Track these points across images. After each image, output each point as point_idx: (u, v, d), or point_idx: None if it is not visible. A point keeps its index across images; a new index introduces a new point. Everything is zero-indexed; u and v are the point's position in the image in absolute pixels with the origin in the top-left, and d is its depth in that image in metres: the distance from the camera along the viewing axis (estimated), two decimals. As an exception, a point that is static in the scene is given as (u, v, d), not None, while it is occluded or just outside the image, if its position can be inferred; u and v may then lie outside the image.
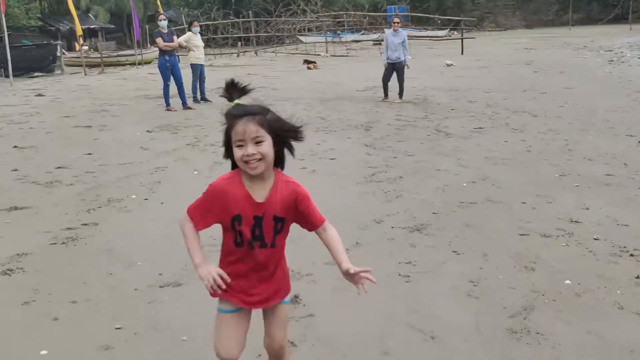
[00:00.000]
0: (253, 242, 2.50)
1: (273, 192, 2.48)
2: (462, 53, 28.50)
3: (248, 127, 2.37)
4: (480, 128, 10.34)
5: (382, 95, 14.27)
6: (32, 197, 6.69)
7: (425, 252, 4.83)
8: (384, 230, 5.36)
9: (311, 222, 2.55)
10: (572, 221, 5.45)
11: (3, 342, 3.55)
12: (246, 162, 2.39)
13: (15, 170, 7.97)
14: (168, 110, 13.25)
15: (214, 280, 2.40)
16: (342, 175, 7.37)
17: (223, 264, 2.57)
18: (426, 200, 6.21)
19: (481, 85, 16.33)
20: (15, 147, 9.55)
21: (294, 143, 2.53)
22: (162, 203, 6.29)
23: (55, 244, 5.18)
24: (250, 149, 2.37)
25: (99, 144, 9.69)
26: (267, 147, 2.40)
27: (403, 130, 10.29)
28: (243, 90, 2.52)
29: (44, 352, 3.41)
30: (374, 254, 4.81)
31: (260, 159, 2.39)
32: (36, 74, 25.66)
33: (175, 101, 13.50)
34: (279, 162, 2.54)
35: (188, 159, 8.39)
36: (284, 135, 2.47)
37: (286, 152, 2.54)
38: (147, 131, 10.72)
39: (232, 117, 2.42)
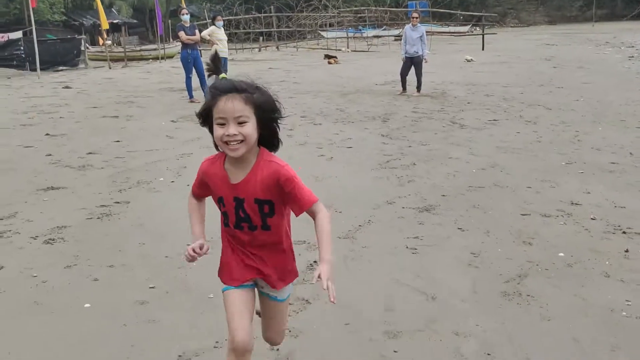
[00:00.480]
0: (240, 223, 2.41)
1: (251, 174, 2.34)
2: (482, 49, 28.64)
3: (232, 105, 2.22)
4: (494, 120, 10.63)
5: (401, 89, 14.59)
6: (66, 178, 7.15)
7: (432, 228, 5.20)
8: (395, 209, 5.74)
9: (297, 205, 2.35)
10: (572, 203, 5.78)
11: (51, 297, 4.01)
12: (226, 142, 2.26)
13: (49, 155, 8.46)
14: (191, 101, 13.70)
15: (188, 254, 2.43)
16: (358, 161, 7.74)
17: (222, 241, 2.57)
18: (436, 185, 6.57)
19: (499, 80, 16.56)
20: (47, 134, 10.06)
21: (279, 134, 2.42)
22: (188, 185, 6.61)
23: (91, 218, 5.64)
24: (232, 129, 2.23)
25: (126, 132, 10.16)
26: (250, 128, 2.25)
27: (419, 122, 10.62)
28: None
29: (87, 305, 3.87)
30: (384, 229, 5.20)
31: (241, 141, 2.25)
32: (61, 67, 26.32)
33: (198, 93, 13.95)
34: (271, 144, 2.42)
35: (212, 147, 8.78)
36: (270, 117, 2.34)
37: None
38: (172, 121, 11.17)
39: (217, 92, 2.27)
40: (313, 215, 2.36)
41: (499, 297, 3.86)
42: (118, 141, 9.34)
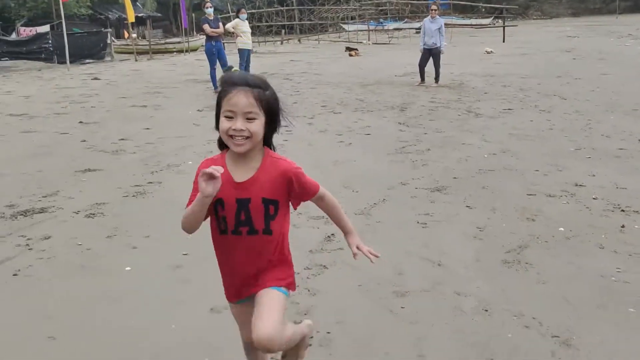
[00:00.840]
0: (239, 227, 2.30)
1: (259, 173, 2.28)
2: (503, 41, 28.75)
3: (243, 99, 2.16)
4: (509, 109, 10.93)
5: (419, 79, 14.91)
6: (101, 162, 7.65)
7: (442, 206, 5.58)
8: (409, 190, 6.13)
9: (307, 193, 2.37)
10: (576, 185, 6.12)
11: (95, 261, 4.48)
12: (231, 136, 2.20)
13: (84, 141, 8.97)
14: (216, 92, 14.05)
15: (207, 171, 2.11)
16: (375, 147, 8.13)
17: (218, 261, 2.52)
18: (449, 168, 6.94)
19: (518, 72, 16.77)
20: (80, 122, 10.61)
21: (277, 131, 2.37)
22: (214, 168, 7.14)
23: (127, 196, 6.11)
24: (240, 123, 2.17)
25: (155, 121, 10.66)
26: (258, 126, 2.20)
27: (435, 111, 10.96)
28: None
29: (128, 268, 4.33)
30: (397, 206, 5.60)
31: (247, 137, 2.19)
32: (88, 60, 27.03)
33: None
34: (269, 143, 2.37)
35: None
36: (277, 117, 2.30)
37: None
38: (198, 110, 11.64)
39: (229, 84, 2.21)
40: (321, 198, 2.41)
41: (499, 265, 4.24)
42: (148, 128, 9.83)
